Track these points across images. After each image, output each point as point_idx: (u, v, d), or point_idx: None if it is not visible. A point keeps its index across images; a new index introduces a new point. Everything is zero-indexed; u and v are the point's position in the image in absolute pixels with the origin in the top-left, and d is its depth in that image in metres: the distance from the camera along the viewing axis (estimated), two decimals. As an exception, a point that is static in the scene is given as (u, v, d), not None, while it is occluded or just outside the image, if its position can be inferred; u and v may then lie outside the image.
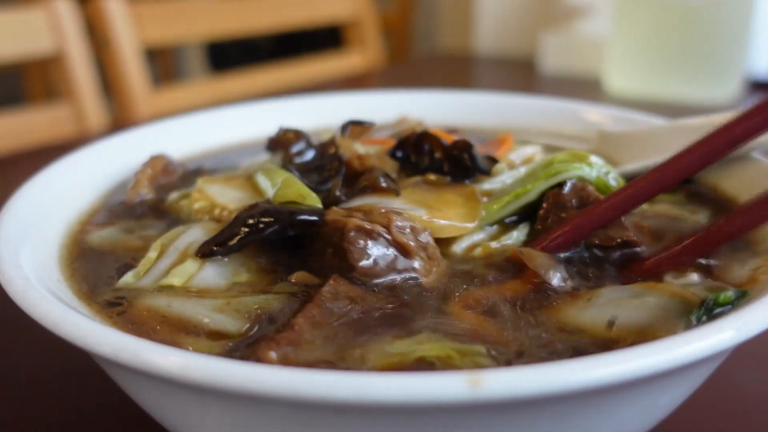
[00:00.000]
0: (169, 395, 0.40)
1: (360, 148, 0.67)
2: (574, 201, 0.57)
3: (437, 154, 0.63)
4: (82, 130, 1.48)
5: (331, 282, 0.47)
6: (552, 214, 0.57)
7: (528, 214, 0.59)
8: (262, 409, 0.36)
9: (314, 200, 0.55)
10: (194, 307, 0.47)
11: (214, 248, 0.51)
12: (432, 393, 0.32)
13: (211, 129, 0.85)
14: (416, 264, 0.50)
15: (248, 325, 0.45)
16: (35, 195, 0.60)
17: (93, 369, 0.50)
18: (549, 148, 0.76)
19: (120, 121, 1.62)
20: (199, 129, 0.84)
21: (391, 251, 0.50)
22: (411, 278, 0.50)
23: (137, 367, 0.35)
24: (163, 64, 4.07)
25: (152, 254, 0.54)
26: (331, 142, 0.67)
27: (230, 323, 0.45)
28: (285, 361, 0.39)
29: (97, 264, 0.55)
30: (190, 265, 0.52)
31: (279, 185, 0.58)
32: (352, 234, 0.49)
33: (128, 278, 0.52)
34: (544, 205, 0.58)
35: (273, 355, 0.39)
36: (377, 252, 0.49)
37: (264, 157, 0.73)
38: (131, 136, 0.77)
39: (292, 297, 0.48)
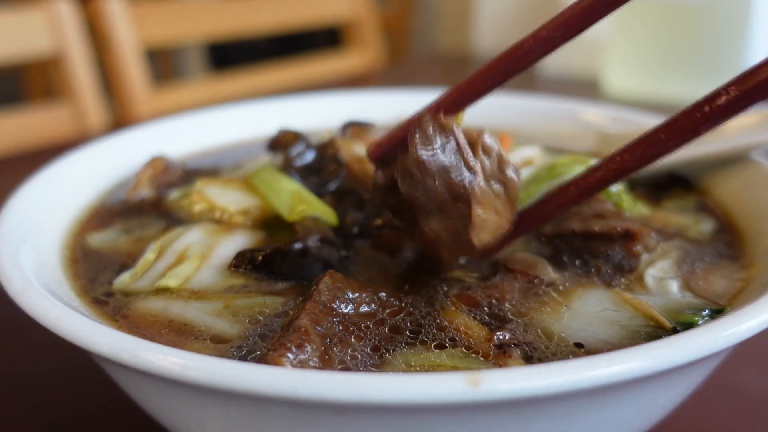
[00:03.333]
0: (169, 395, 0.40)
1: (361, 149, 0.67)
2: None
3: None
4: (82, 130, 1.48)
5: (327, 277, 0.46)
6: None
7: None
8: (262, 409, 0.36)
9: (331, 216, 0.56)
10: (193, 312, 0.47)
11: (247, 267, 0.52)
12: (432, 393, 0.32)
13: (211, 129, 0.85)
14: (476, 183, 0.44)
15: (246, 328, 0.45)
16: (35, 195, 0.60)
17: (93, 369, 0.50)
18: (548, 149, 0.76)
19: (120, 120, 1.62)
20: (199, 129, 0.84)
21: (456, 158, 0.45)
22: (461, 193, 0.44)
23: (137, 367, 0.35)
24: (164, 63, 4.07)
25: (150, 256, 0.54)
26: (330, 143, 0.67)
27: (228, 327, 0.45)
28: (301, 366, 0.39)
29: (97, 264, 0.55)
30: (187, 267, 0.52)
31: (287, 200, 0.58)
32: (426, 120, 0.45)
33: (125, 279, 0.52)
34: None
35: (287, 360, 0.38)
36: (441, 150, 0.45)
37: (265, 157, 0.73)
38: (131, 135, 0.77)
39: (288, 298, 0.48)
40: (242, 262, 0.51)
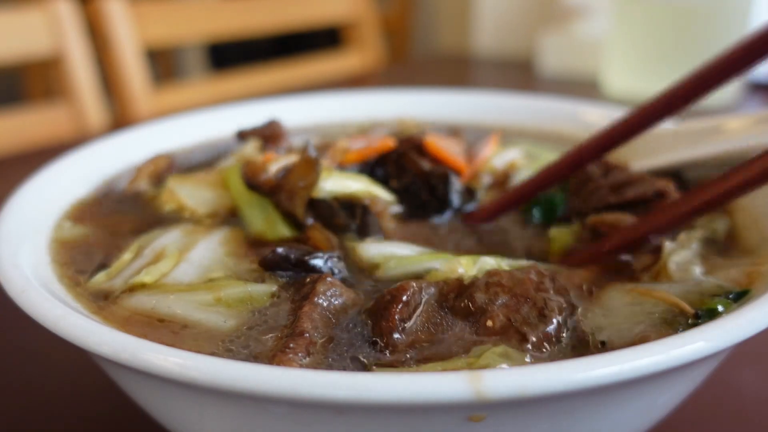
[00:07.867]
0: (169, 395, 0.40)
1: (330, 165, 0.65)
2: (598, 171, 0.61)
3: (408, 178, 0.63)
4: (82, 130, 1.48)
5: (327, 279, 0.46)
6: (583, 187, 0.61)
7: None
8: (262, 409, 0.36)
9: (288, 231, 0.56)
10: (183, 305, 0.47)
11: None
12: (432, 393, 0.32)
13: (211, 128, 0.85)
14: None
15: (241, 321, 0.45)
16: (35, 195, 0.60)
17: (93, 369, 0.50)
18: (548, 149, 0.77)
19: (120, 120, 1.62)
20: (199, 128, 0.84)
21: None
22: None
23: (137, 367, 0.35)
24: (164, 63, 4.07)
25: (127, 256, 0.54)
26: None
27: (221, 320, 0.45)
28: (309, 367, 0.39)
29: (97, 264, 0.55)
30: (164, 264, 0.51)
31: (259, 216, 0.58)
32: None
33: (100, 277, 0.52)
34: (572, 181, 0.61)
35: (299, 361, 0.39)
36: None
37: (236, 148, 0.73)
38: (131, 135, 0.77)
39: (277, 292, 0.48)
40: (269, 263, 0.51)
